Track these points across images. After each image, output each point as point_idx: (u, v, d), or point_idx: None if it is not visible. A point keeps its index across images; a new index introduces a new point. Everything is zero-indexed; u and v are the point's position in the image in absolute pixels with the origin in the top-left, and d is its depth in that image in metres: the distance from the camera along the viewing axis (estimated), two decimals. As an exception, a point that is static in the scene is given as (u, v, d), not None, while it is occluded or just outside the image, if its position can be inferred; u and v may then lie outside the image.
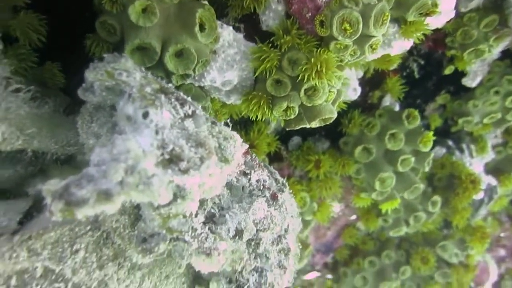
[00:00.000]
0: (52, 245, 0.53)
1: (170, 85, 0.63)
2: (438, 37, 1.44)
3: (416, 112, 1.35)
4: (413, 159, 1.33)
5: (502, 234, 2.19)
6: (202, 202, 0.65)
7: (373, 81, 1.48)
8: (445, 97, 1.67)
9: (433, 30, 1.16)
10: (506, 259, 2.23)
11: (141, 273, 0.61)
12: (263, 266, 0.73)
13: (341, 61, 0.86)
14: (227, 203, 0.71)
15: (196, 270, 0.67)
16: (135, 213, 0.60)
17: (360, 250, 1.92)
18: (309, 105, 0.86)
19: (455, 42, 1.37)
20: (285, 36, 0.85)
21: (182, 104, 0.57)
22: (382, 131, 1.35)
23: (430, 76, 1.57)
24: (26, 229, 0.54)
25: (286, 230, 0.81)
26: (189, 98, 0.60)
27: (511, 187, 1.84)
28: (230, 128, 0.66)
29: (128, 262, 0.60)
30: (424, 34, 1.09)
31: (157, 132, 0.51)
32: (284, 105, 0.87)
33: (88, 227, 0.57)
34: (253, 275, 0.71)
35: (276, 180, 0.85)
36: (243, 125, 1.31)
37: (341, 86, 0.95)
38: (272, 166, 0.88)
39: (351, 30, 0.78)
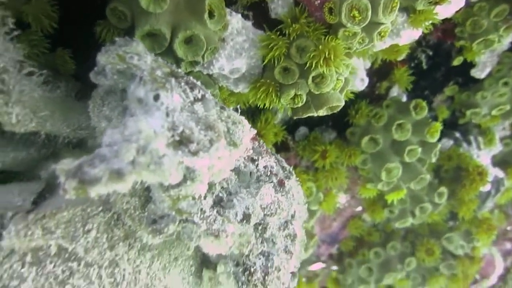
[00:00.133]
0: (65, 224, 0.54)
1: (179, 70, 0.64)
2: (448, 27, 1.43)
3: (424, 103, 1.35)
4: (420, 149, 1.33)
5: (508, 228, 2.18)
6: (210, 186, 0.66)
7: (380, 71, 1.47)
8: (453, 88, 1.65)
9: (442, 20, 1.15)
10: (512, 253, 2.23)
11: (151, 254, 0.63)
12: (269, 250, 0.74)
13: (349, 49, 0.86)
14: (234, 188, 0.72)
15: (204, 252, 0.68)
16: (145, 195, 0.61)
17: (365, 241, 1.93)
18: (316, 92, 0.86)
19: (465, 32, 1.36)
20: (293, 24, 0.86)
21: (192, 88, 0.58)
22: (389, 122, 1.35)
23: (438, 67, 1.56)
24: (40, 209, 0.55)
25: (292, 216, 0.82)
26: (198, 83, 0.60)
27: (519, 179, 1.83)
28: (238, 115, 0.67)
29: (138, 243, 0.61)
30: (433, 24, 1.08)
31: (167, 114, 0.52)
32: (292, 92, 0.87)
33: (100, 208, 0.59)
34: (260, 258, 0.72)
35: (283, 167, 0.86)
36: (250, 115, 1.32)
37: (349, 75, 0.95)
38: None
39: (360, 17, 0.78)
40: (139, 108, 0.53)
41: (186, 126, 0.52)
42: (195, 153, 0.52)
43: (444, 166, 1.75)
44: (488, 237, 1.76)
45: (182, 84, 0.57)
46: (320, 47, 0.81)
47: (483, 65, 1.55)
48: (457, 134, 1.81)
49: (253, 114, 1.32)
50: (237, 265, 0.71)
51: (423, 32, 1.14)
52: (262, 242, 0.74)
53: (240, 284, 0.69)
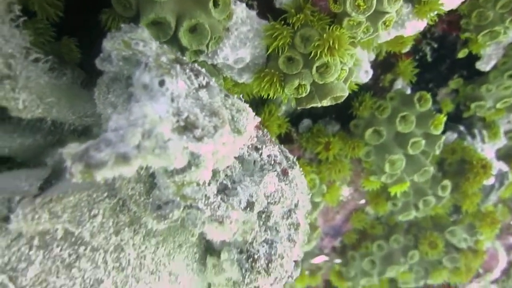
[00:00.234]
0: (71, 208, 0.55)
1: (184, 58, 0.64)
2: (453, 19, 1.42)
3: (428, 95, 1.34)
4: (423, 142, 1.33)
5: (512, 222, 2.18)
6: (214, 174, 0.66)
7: (385, 64, 1.47)
8: (458, 81, 1.65)
9: (448, 12, 1.14)
10: (515, 247, 2.22)
11: (156, 240, 0.64)
12: (273, 238, 0.75)
13: (354, 38, 0.85)
14: (238, 177, 0.72)
15: (208, 239, 0.68)
16: (150, 181, 0.61)
17: (368, 234, 1.93)
18: (320, 82, 0.86)
19: (470, 24, 1.35)
20: (298, 13, 0.85)
21: (197, 75, 0.58)
22: (393, 114, 1.35)
23: (443, 59, 1.55)
24: (46, 194, 0.56)
25: (296, 205, 0.83)
26: (203, 70, 0.61)
27: (523, 173, 1.82)
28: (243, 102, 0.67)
29: (143, 229, 0.62)
30: (438, 16, 1.08)
31: (172, 100, 0.52)
32: (296, 82, 0.88)
33: (105, 194, 0.59)
34: (263, 246, 0.72)
35: (286, 157, 0.86)
36: (254, 106, 1.32)
37: (353, 66, 0.95)
38: (282, 148, 0.89)
39: (365, 6, 0.78)
40: (144, 94, 0.53)
41: (191, 112, 0.53)
42: (199, 139, 0.52)
43: (448, 160, 1.74)
44: (491, 231, 1.76)
45: (187, 71, 0.57)
46: (325, 36, 0.81)
47: (488, 57, 1.54)
48: (461, 128, 1.81)
49: (256, 106, 1.32)
50: (240, 252, 0.71)
51: (428, 24, 1.14)
52: (265, 230, 0.75)
53: (243, 271, 0.70)
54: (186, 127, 0.52)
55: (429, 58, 1.52)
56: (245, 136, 0.64)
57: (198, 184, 0.58)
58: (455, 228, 1.78)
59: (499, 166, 1.80)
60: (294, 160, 0.87)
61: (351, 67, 0.91)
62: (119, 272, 0.57)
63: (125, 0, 0.72)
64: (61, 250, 0.54)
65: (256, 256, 0.70)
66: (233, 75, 0.97)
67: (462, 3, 1.15)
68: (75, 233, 0.55)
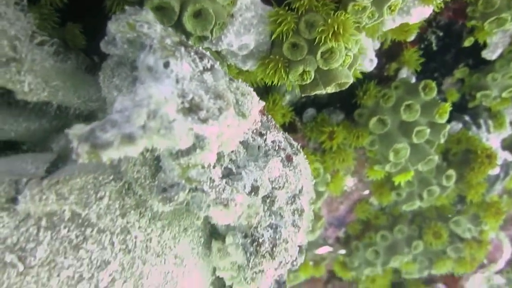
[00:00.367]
0: (78, 190, 0.56)
1: (189, 42, 0.64)
2: (459, 7, 1.40)
3: (433, 84, 1.33)
4: (428, 130, 1.32)
5: (517, 213, 2.17)
6: (219, 158, 0.66)
7: (390, 52, 1.46)
8: (464, 70, 1.63)
9: (454, -1, 1.13)
10: (520, 238, 2.22)
11: (161, 224, 0.64)
12: (277, 223, 0.75)
13: (359, 23, 0.85)
14: (243, 162, 0.73)
15: (213, 223, 0.69)
16: (155, 164, 0.62)
17: (372, 224, 1.93)
18: (325, 68, 0.86)
19: (476, 12, 1.33)
20: (302, -2, 0.85)
21: (201, 57, 0.58)
22: (397, 103, 1.34)
23: (448, 48, 1.53)
24: (53, 176, 0.56)
25: (300, 191, 0.83)
26: (207, 53, 0.61)
27: (529, 163, 1.81)
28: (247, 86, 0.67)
29: (149, 212, 0.63)
30: (444, 3, 1.07)
31: (177, 81, 0.52)
32: (300, 69, 0.87)
33: (111, 177, 0.60)
34: (268, 231, 0.73)
35: (290, 144, 0.86)
36: (258, 95, 1.32)
37: (358, 52, 0.95)
38: (286, 137, 0.89)
39: (370, -10, 0.77)
40: (149, 76, 0.53)
41: (195, 93, 0.53)
42: (204, 121, 0.52)
43: (453, 150, 1.74)
44: (496, 221, 1.76)
45: (192, 53, 0.57)
46: (329, 21, 0.80)
47: (495, 46, 1.52)
48: (467, 118, 1.80)
49: (261, 95, 1.32)
50: (245, 236, 0.72)
51: (434, 11, 1.12)
52: (270, 215, 0.75)
53: (248, 254, 0.70)
54: (191, 109, 0.52)
55: (434, 47, 1.51)
56: (250, 119, 0.64)
57: (203, 167, 0.58)
58: (460, 218, 1.78)
59: (504, 156, 1.79)
60: (298, 147, 0.87)
61: (355, 53, 0.91)
62: (125, 253, 0.58)
63: (129, -15, 0.72)
64: (68, 231, 0.54)
65: (260, 240, 0.71)
66: (237, 62, 0.97)
67: (469, -11, 1.14)
68: (82, 215, 0.56)
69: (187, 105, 0.52)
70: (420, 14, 1.08)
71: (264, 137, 0.77)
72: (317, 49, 0.83)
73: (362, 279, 2.05)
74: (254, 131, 0.74)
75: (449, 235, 1.80)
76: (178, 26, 0.76)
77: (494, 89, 1.61)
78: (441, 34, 1.48)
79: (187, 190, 0.59)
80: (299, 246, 0.88)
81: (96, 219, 0.56)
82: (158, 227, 0.63)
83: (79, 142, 0.47)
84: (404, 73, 1.52)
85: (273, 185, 0.74)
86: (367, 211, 1.87)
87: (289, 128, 1.41)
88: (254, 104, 0.64)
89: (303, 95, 1.12)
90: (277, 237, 0.73)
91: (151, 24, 0.56)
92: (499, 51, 1.55)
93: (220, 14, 0.80)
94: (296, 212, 0.81)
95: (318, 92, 0.93)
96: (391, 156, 1.33)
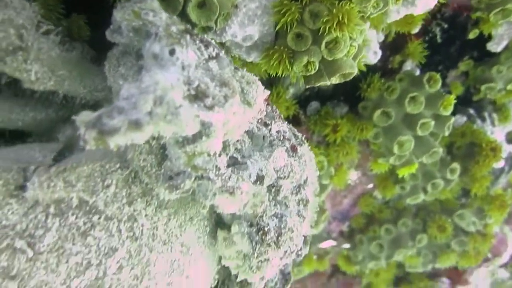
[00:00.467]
0: (85, 178, 0.56)
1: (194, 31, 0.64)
2: (464, -2, 1.40)
3: (438, 76, 1.33)
4: (433, 123, 1.32)
5: (521, 207, 2.16)
6: (224, 147, 0.66)
7: (394, 45, 1.45)
8: (468, 63, 1.62)
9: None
10: (525, 232, 2.21)
11: (167, 212, 0.64)
12: (282, 212, 0.75)
13: (364, 13, 0.84)
14: (248, 152, 0.73)
15: (219, 212, 0.69)
16: (161, 153, 0.62)
17: (376, 218, 1.93)
18: (329, 58, 0.86)
19: (482, 3, 1.33)
20: (306, -12, 0.85)
21: (207, 45, 0.58)
22: (402, 95, 1.34)
23: (453, 40, 1.53)
24: (61, 164, 0.57)
25: (305, 182, 0.83)
26: (212, 41, 0.61)
27: (534, 156, 1.80)
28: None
29: (155, 200, 0.63)
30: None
31: (183, 69, 0.52)
32: (305, 59, 0.87)
33: (118, 165, 0.60)
34: (273, 220, 0.73)
35: (295, 135, 0.86)
36: (261, 88, 1.32)
37: (362, 43, 0.94)
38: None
39: (374, -21, 0.77)
40: (155, 63, 0.54)
41: (201, 81, 0.53)
42: (210, 108, 0.52)
43: (457, 143, 1.73)
44: (500, 214, 1.75)
45: (197, 41, 0.57)
46: (334, 11, 0.80)
47: (500, 38, 1.51)
48: (471, 111, 1.79)
49: (264, 87, 1.32)
50: (251, 225, 0.72)
51: (439, 2, 1.12)
52: (275, 205, 0.75)
53: (254, 243, 0.70)
54: (197, 96, 0.52)
55: (439, 39, 1.50)
56: (255, 108, 0.64)
57: (209, 155, 0.59)
58: (464, 211, 1.78)
59: (509, 149, 1.78)
60: (303, 138, 0.87)
61: (360, 43, 0.90)
62: (132, 241, 0.58)
63: (134, -25, 0.72)
64: (76, 218, 0.55)
65: (266, 229, 0.71)
66: (241, 53, 0.97)
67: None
68: (90, 202, 0.56)
69: (193, 92, 0.52)
70: (425, 5, 1.08)
71: (269, 127, 0.77)
72: (322, 39, 0.83)
73: (366, 272, 2.06)
74: (259, 121, 0.74)
75: (453, 228, 1.80)
76: (183, 16, 0.77)
77: (499, 81, 1.60)
78: (445, 26, 1.47)
79: (193, 178, 0.60)
80: (304, 237, 0.89)
81: (103, 206, 0.57)
82: (164, 215, 0.64)
83: (86, 128, 0.47)
84: (408, 65, 1.51)
85: (278, 175, 0.74)
86: (371, 204, 1.87)
87: (293, 121, 1.41)
88: (259, 92, 0.64)
89: (307, 87, 1.12)
90: (282, 226, 0.73)
91: (156, 12, 0.56)
92: (504, 43, 1.53)
93: (225, 4, 0.80)
94: (301, 202, 0.81)
95: (322, 83, 0.93)
96: (396, 149, 1.33)
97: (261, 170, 0.70)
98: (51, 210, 0.54)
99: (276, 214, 0.75)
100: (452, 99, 1.30)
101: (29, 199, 0.53)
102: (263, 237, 0.71)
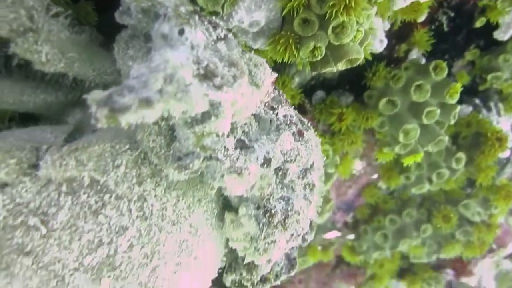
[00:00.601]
0: (96, 158, 0.57)
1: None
2: (471, -14, 1.39)
3: (444, 64, 1.32)
4: (438, 111, 1.32)
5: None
6: (232, 129, 0.67)
7: (400, 34, 1.45)
8: (475, 52, 1.61)
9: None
10: (530, 223, 2.21)
11: (176, 193, 0.65)
12: (289, 195, 0.76)
13: (370, -2, 0.84)
14: (255, 135, 0.73)
15: (226, 194, 0.70)
16: (170, 134, 0.63)
17: (381, 209, 1.94)
18: (336, 43, 0.86)
19: (489, -10, 1.32)
20: (313, -27, 0.85)
21: (215, 27, 0.59)
22: (407, 83, 1.34)
23: (459, 29, 1.52)
24: (72, 144, 0.58)
25: (311, 166, 0.84)
26: (221, 23, 0.61)
27: (540, 146, 1.79)
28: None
29: (164, 181, 0.64)
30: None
31: (192, 48, 0.53)
32: (311, 45, 0.87)
33: (127, 146, 0.61)
34: (280, 202, 0.74)
35: (301, 121, 0.87)
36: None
37: (368, 29, 0.94)
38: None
39: (382, -37, 0.77)
40: (164, 44, 0.54)
41: (210, 61, 0.53)
42: (219, 87, 0.53)
43: (463, 133, 1.72)
44: (506, 204, 1.75)
45: (205, 22, 0.58)
46: (341, -5, 0.80)
47: (507, 26, 1.50)
48: (477, 101, 1.78)
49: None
50: (258, 208, 0.73)
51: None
52: (282, 188, 0.76)
53: (261, 225, 0.71)
54: (206, 75, 0.52)
55: (445, 28, 1.49)
56: (263, 90, 0.64)
57: (217, 135, 0.59)
58: (469, 201, 1.77)
59: (515, 139, 1.77)
60: (309, 125, 0.88)
61: (366, 29, 0.90)
62: (142, 220, 0.59)
63: (141, -40, 0.73)
64: (88, 197, 0.56)
65: (273, 211, 0.72)
66: (247, 40, 0.97)
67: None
68: (100, 181, 0.57)
69: (202, 71, 0.52)
70: (431, -9, 1.07)
71: (276, 111, 0.78)
72: (328, 24, 0.84)
73: (371, 263, 2.07)
74: (266, 104, 0.75)
75: (458, 218, 1.80)
76: (190, 1, 0.77)
77: (506, 70, 1.59)
78: (452, 14, 1.47)
79: (201, 158, 0.60)
80: (310, 222, 0.89)
81: (114, 186, 0.58)
82: (173, 196, 0.64)
83: (98, 106, 0.48)
84: (414, 54, 1.50)
85: (285, 158, 0.74)
86: (375, 195, 1.87)
87: (298, 110, 1.40)
88: (267, 75, 0.64)
89: (313, 74, 1.12)
90: (289, 208, 0.74)
91: (165, -7, 0.56)
92: (511, 32, 1.52)
93: (231, -11, 0.80)
94: (307, 186, 0.82)
95: (329, 69, 0.93)
96: (401, 137, 1.33)
97: (268, 153, 0.71)
98: (64, 188, 0.55)
99: (283, 197, 0.75)
100: (458, 87, 1.29)
101: (42, 177, 0.54)
102: (270, 219, 0.72)
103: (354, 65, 0.94)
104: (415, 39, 1.43)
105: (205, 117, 0.57)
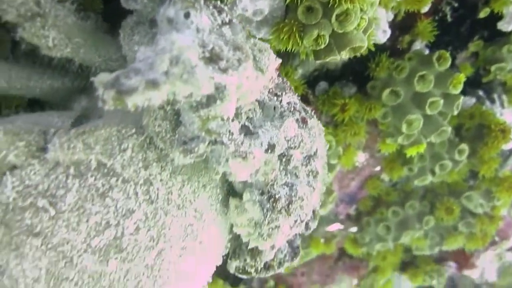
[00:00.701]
0: (103, 141, 0.58)
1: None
2: (475, -24, 1.38)
3: (448, 54, 1.32)
4: (442, 101, 1.32)
5: (529, 190, 2.15)
6: (236, 114, 0.68)
7: (403, 24, 1.44)
8: (478, 43, 1.61)
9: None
10: (533, 215, 2.21)
11: (181, 178, 0.66)
12: (293, 182, 0.77)
13: (374, -15, 0.84)
14: (259, 122, 0.74)
15: (231, 179, 0.71)
16: (175, 119, 0.63)
17: (383, 201, 1.94)
18: (340, 31, 0.86)
19: (493, -20, 1.31)
20: (316, -39, 0.85)
21: (220, 11, 0.59)
22: (411, 74, 1.34)
23: (463, 19, 1.51)
24: (79, 128, 0.59)
25: (315, 153, 0.84)
26: (226, 8, 0.62)
27: (543, 138, 1.79)
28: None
29: (170, 166, 0.65)
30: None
31: (198, 31, 0.53)
32: (315, 33, 0.88)
33: (133, 130, 0.62)
34: (284, 188, 0.74)
35: (305, 109, 0.87)
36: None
37: (372, 17, 0.94)
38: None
39: (386, -51, 0.77)
40: (170, 27, 0.55)
41: (215, 44, 0.54)
42: (224, 70, 0.53)
43: (466, 125, 1.72)
44: (508, 196, 1.75)
45: (210, 7, 0.58)
46: (344, -18, 0.80)
47: (511, 16, 1.49)
48: (480, 92, 1.78)
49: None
50: (262, 193, 0.74)
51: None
52: (286, 174, 0.77)
53: (265, 211, 0.72)
54: (211, 58, 0.53)
55: (449, 18, 1.49)
56: (267, 75, 0.65)
57: (222, 119, 0.60)
58: (472, 193, 1.78)
59: (518, 130, 1.77)
60: (312, 113, 0.88)
61: (370, 17, 0.90)
62: (148, 204, 0.60)
63: None
64: (95, 179, 0.57)
65: (277, 197, 0.72)
66: (251, 29, 0.98)
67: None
68: (107, 165, 0.58)
69: (207, 54, 0.53)
70: (435, -20, 1.07)
71: (280, 98, 0.78)
72: (332, 12, 0.84)
73: (373, 255, 2.07)
74: (270, 91, 0.75)
75: (460, 210, 1.80)
76: (194, -12, 0.77)
77: (510, 61, 1.59)
78: (456, 5, 1.46)
79: (207, 142, 0.61)
80: (313, 211, 0.90)
81: (120, 169, 0.58)
82: (178, 181, 0.65)
83: (105, 88, 0.49)
84: (417, 45, 1.50)
85: (289, 144, 0.75)
86: (378, 187, 1.87)
87: (301, 101, 1.42)
88: (271, 60, 0.65)
89: (316, 63, 1.12)
90: (293, 194, 0.75)
91: (170, -23, 0.57)
92: (515, 22, 1.52)
93: (235, -23, 0.81)
94: (311, 173, 0.83)
95: (332, 57, 0.94)
96: (404, 128, 1.33)
97: (272, 139, 0.71)
98: (71, 171, 0.56)
99: (287, 183, 0.76)
100: (462, 77, 1.29)
101: (50, 160, 0.55)
102: (274, 204, 0.72)
103: (358, 54, 0.94)
104: (419, 30, 1.43)
105: (210, 100, 0.57)
